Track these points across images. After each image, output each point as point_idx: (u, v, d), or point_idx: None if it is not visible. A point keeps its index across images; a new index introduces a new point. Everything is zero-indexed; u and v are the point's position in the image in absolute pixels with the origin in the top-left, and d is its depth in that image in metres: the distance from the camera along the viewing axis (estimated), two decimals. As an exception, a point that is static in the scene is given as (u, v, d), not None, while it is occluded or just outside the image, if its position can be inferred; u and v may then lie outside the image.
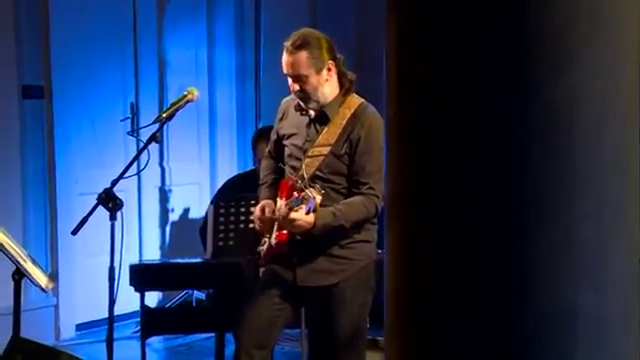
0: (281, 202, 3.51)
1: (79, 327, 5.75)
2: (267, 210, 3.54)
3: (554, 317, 1.73)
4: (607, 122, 1.76)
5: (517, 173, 1.74)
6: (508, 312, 1.75)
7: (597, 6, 1.75)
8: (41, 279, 3.72)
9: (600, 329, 1.78)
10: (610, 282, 1.77)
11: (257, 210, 3.58)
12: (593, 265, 1.75)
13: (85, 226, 3.70)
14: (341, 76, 3.54)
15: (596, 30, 1.74)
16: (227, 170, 6.51)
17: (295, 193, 3.40)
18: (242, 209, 4.52)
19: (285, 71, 3.50)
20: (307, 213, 3.32)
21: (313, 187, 3.33)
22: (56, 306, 5.60)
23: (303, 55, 3.44)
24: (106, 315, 3.76)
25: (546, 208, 1.73)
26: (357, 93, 3.60)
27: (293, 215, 3.34)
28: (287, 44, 3.47)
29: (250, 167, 6.27)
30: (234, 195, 4.77)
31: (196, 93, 3.85)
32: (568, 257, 1.74)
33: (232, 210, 4.55)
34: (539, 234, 1.73)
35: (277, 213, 3.49)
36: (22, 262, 3.65)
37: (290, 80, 3.51)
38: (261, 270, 3.78)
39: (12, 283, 3.63)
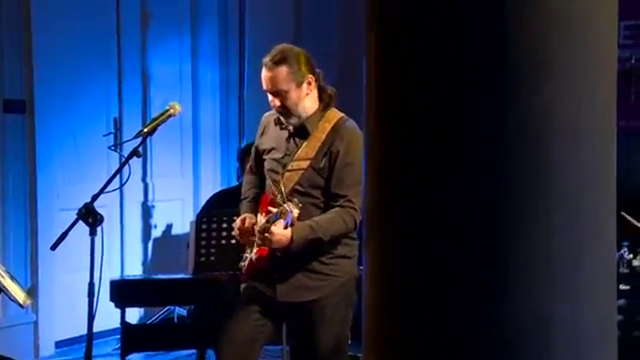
0: (261, 217, 3.50)
1: (58, 344, 5.68)
2: (247, 222, 3.52)
3: (531, 328, 1.73)
4: (583, 133, 1.77)
5: (494, 185, 1.74)
6: (485, 324, 1.74)
7: (569, 21, 1.76)
8: (19, 295, 3.68)
9: (577, 340, 1.78)
10: (586, 293, 1.78)
11: (238, 221, 3.56)
12: (569, 276, 1.75)
13: (65, 241, 3.67)
14: (321, 91, 3.53)
15: (569, 45, 1.75)
16: (210, 185, 6.48)
17: (274, 208, 3.38)
18: (224, 225, 4.50)
19: (265, 87, 3.48)
20: (285, 227, 3.31)
21: (291, 201, 3.32)
22: (35, 323, 5.54)
23: (283, 70, 3.42)
24: (86, 332, 3.73)
25: (523, 219, 1.73)
26: (340, 108, 3.59)
27: (272, 229, 3.32)
28: (266, 60, 3.45)
29: (234, 182, 6.26)
30: (216, 211, 4.74)
31: (178, 107, 3.84)
32: (545, 268, 1.74)
33: (214, 226, 4.53)
34: (516, 245, 1.73)
35: (256, 228, 3.47)
36: (0, 278, 3.61)
37: (270, 96, 3.49)
38: (242, 286, 3.75)
39: (-11, 299, 3.61)
